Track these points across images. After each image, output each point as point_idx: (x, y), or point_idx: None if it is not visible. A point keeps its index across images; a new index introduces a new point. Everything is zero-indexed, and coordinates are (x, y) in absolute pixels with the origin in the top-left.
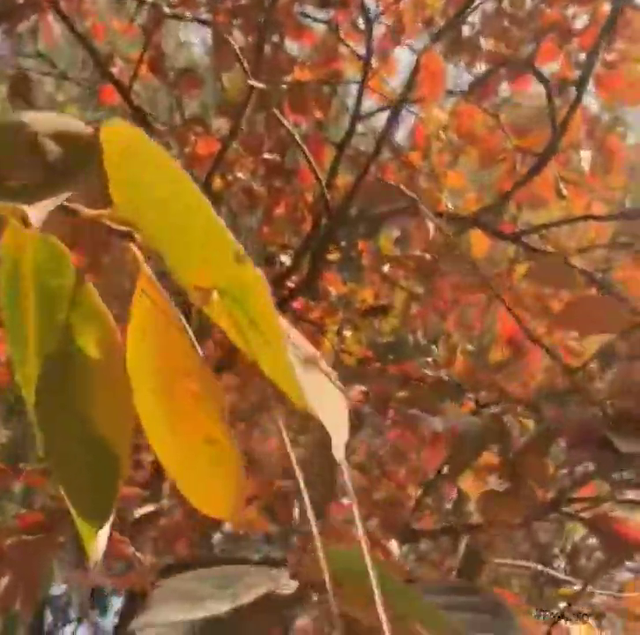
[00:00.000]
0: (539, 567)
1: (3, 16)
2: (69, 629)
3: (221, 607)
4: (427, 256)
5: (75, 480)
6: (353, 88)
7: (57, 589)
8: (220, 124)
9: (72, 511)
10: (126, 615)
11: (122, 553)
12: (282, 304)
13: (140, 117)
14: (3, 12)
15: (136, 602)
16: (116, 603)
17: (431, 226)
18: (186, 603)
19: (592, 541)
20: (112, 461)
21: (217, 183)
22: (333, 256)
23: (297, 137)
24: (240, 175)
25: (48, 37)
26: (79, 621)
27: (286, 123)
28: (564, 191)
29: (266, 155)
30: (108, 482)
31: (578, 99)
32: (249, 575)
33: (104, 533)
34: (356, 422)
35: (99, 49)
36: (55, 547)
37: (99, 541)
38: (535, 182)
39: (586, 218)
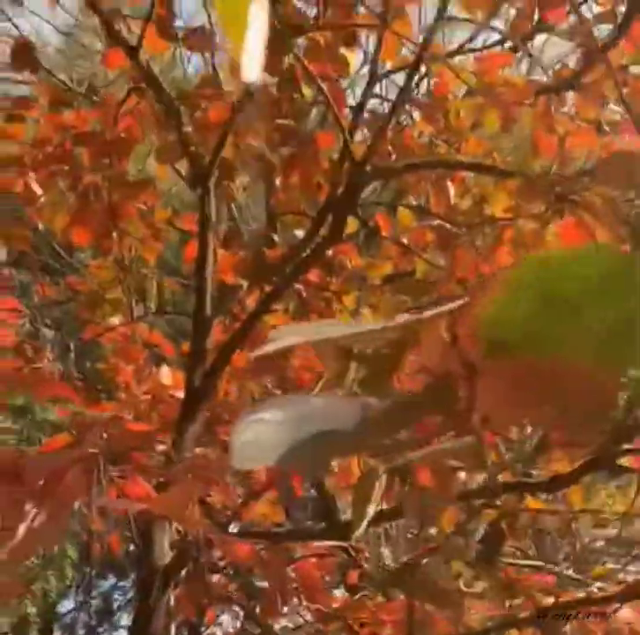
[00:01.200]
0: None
1: None
2: None
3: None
4: (448, 225)
5: None
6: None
7: (65, 606)
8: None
9: None
10: (135, 631)
11: None
12: (296, 275)
13: (150, 82)
14: None
15: (145, 619)
16: (125, 620)
17: (452, 191)
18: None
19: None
20: None
21: (228, 150)
22: (351, 227)
23: (325, 91)
24: (252, 141)
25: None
26: None
27: (313, 77)
28: (606, 128)
29: (280, 121)
30: None
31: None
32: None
33: None
34: None
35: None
36: (85, 462)
37: None
38: (570, 131)
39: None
